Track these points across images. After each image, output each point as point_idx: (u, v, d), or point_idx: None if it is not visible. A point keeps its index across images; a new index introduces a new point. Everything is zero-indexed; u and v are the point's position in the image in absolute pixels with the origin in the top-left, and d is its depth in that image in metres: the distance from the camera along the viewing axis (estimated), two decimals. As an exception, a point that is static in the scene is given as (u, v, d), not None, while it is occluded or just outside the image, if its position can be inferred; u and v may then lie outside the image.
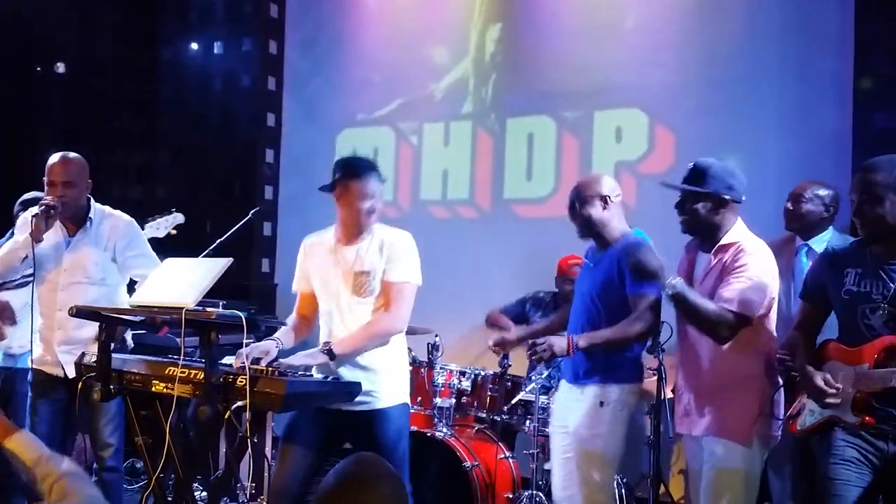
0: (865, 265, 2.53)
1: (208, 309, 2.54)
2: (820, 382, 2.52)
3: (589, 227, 3.17)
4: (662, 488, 4.32)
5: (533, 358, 3.05)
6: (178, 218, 4.28)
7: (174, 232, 4.27)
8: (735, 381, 2.84)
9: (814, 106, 4.59)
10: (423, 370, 4.26)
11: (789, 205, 3.72)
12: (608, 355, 3.07)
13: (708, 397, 2.87)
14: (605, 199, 3.14)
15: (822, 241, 3.62)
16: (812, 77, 4.62)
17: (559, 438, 3.22)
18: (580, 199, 3.16)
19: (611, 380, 3.08)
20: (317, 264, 3.15)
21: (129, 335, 3.67)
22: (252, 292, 6.14)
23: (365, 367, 2.99)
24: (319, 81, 6.30)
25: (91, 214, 3.55)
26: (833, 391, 2.49)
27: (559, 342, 3.00)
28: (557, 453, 3.22)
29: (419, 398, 4.24)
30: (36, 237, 3.37)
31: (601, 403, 3.06)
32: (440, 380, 4.22)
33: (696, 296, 2.80)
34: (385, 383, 3.02)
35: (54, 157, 3.53)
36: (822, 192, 3.69)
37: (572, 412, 3.14)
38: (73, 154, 3.55)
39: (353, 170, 3.03)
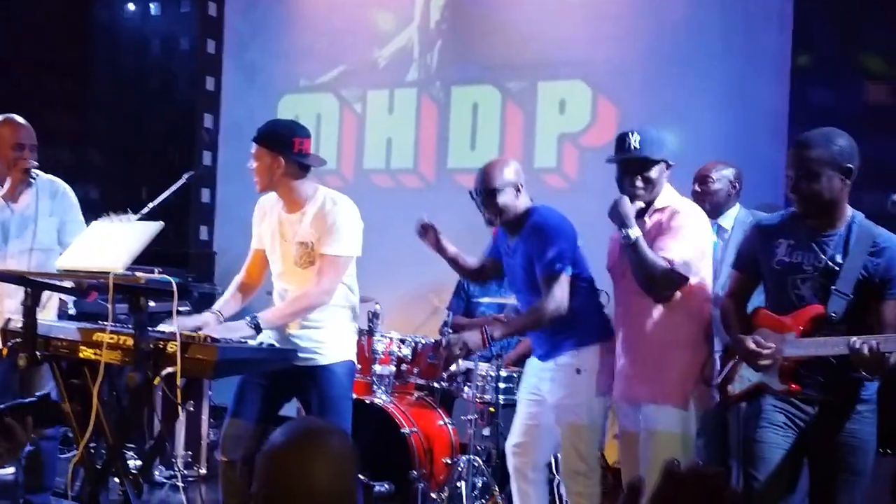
0: (798, 237, 2.58)
1: (137, 274, 2.47)
2: (751, 345, 2.57)
3: (502, 216, 3.09)
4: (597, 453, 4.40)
5: (448, 360, 3.01)
6: (132, 220, 4.19)
7: None
8: (673, 345, 2.88)
9: (753, 81, 4.66)
10: (363, 338, 4.25)
11: (697, 187, 3.70)
12: (573, 323, 3.01)
13: (646, 362, 2.90)
14: (516, 187, 3.08)
15: (729, 218, 3.67)
16: (752, 53, 4.68)
17: (529, 405, 3.18)
18: (494, 190, 3.06)
19: (583, 343, 3.04)
20: (265, 230, 3.15)
21: (70, 301, 3.61)
22: (190, 260, 6.02)
23: (311, 324, 3.00)
24: (260, 45, 6.15)
25: (33, 180, 3.46)
26: (765, 352, 2.55)
27: (472, 338, 2.97)
28: (522, 418, 3.20)
29: (359, 366, 4.21)
30: (7, 200, 3.30)
31: (577, 371, 3.02)
32: (380, 347, 4.22)
33: (649, 250, 2.81)
34: (330, 340, 3.03)
35: (14, 119, 3.47)
36: (727, 171, 3.72)
37: (546, 382, 3.09)
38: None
39: (257, 134, 3.02)
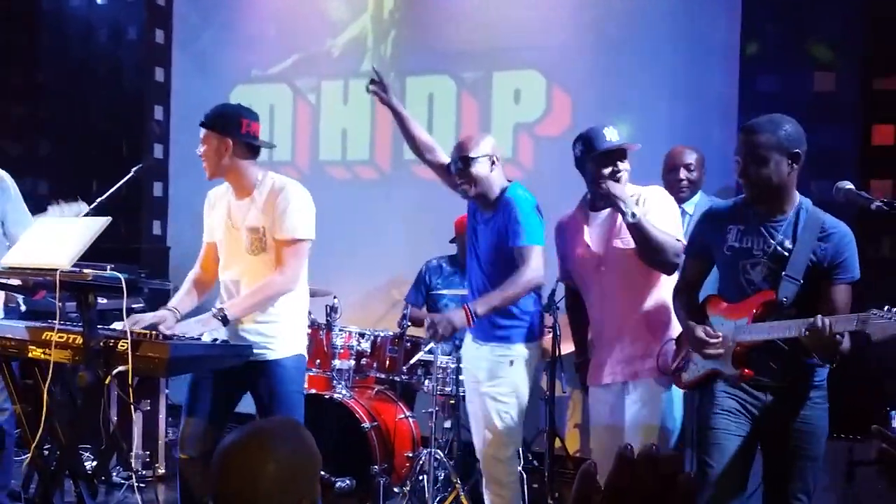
0: (748, 222, 2.61)
1: (84, 270, 2.41)
2: (701, 334, 2.60)
3: (476, 186, 3.15)
4: (558, 442, 4.44)
5: (434, 337, 3.02)
6: (83, 208, 4.07)
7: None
8: (662, 322, 2.95)
9: (703, 70, 4.72)
10: (321, 332, 4.21)
11: (682, 175, 3.74)
12: (511, 316, 3.13)
13: (643, 340, 2.95)
14: (492, 160, 3.16)
15: (692, 204, 3.74)
16: (702, 42, 4.74)
17: (474, 397, 3.28)
18: (469, 158, 3.13)
19: (517, 339, 3.16)
20: (216, 220, 3.11)
21: (20, 297, 3.53)
22: (143, 255, 5.90)
23: (262, 319, 2.97)
24: (211, 34, 6.03)
25: None
26: (714, 341, 2.58)
27: (457, 316, 3.00)
28: (475, 411, 3.28)
29: (318, 360, 4.19)
30: None
31: (511, 362, 3.14)
32: (339, 341, 4.18)
33: (652, 225, 2.84)
34: (281, 334, 3.01)
35: None
36: (697, 155, 3.81)
37: (482, 370, 3.21)
38: None
39: (205, 118, 2.98)
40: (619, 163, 2.94)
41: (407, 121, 3.42)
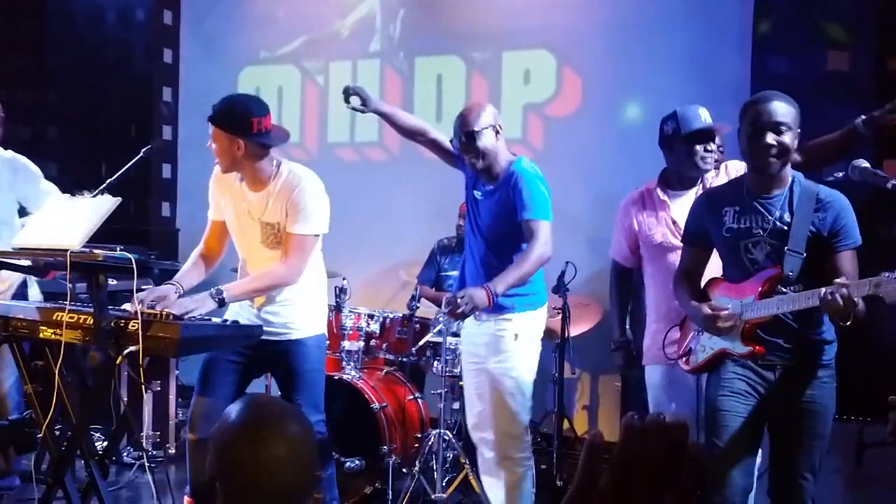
0: (742, 202, 2.59)
1: (95, 251, 2.41)
2: (708, 311, 2.59)
3: (484, 159, 3.12)
4: (567, 424, 4.45)
5: (456, 313, 2.94)
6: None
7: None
8: None
9: (715, 49, 4.67)
10: (331, 313, 4.21)
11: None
12: (522, 287, 3.09)
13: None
14: (496, 129, 3.12)
15: None
16: (714, 21, 4.69)
17: (475, 374, 3.25)
18: (474, 132, 3.08)
19: (520, 309, 3.12)
20: (228, 203, 3.07)
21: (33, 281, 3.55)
22: (152, 237, 5.91)
23: (283, 301, 2.98)
24: (219, 16, 6.01)
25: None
26: (724, 314, 2.55)
27: (478, 294, 2.92)
28: (471, 389, 3.27)
29: (327, 341, 4.19)
30: None
31: (515, 336, 3.11)
32: (348, 323, 4.18)
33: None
34: (302, 315, 3.02)
35: None
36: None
37: (484, 346, 3.17)
38: None
39: (213, 116, 2.87)
40: (710, 143, 2.96)
41: (393, 115, 3.39)
